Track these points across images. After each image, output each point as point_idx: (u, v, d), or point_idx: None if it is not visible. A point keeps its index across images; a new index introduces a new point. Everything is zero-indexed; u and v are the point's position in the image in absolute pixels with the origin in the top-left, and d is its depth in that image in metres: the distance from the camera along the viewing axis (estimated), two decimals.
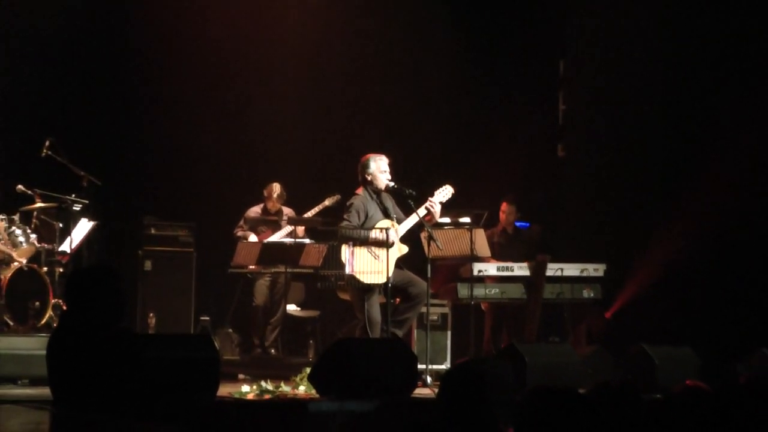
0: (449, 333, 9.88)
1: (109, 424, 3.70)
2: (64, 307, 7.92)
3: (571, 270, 10.01)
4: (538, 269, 9.92)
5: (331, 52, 12.36)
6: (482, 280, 9.92)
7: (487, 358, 9.11)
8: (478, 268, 9.73)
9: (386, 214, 8.99)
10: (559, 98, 12.12)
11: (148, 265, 11.01)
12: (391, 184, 8.99)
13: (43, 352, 5.19)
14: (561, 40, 12.05)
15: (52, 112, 11.17)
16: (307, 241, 10.40)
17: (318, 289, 9.69)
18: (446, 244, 9.18)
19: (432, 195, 9.03)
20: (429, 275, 8.83)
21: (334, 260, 8.92)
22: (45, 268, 9.83)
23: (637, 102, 11.12)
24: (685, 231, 10.11)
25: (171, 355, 6.29)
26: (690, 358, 8.23)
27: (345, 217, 8.98)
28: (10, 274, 9.41)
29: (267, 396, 7.31)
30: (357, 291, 8.88)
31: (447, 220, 9.98)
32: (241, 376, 9.17)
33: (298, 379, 7.75)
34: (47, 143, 9.90)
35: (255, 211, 11.01)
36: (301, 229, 10.70)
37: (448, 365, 9.58)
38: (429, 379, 8.44)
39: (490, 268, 9.92)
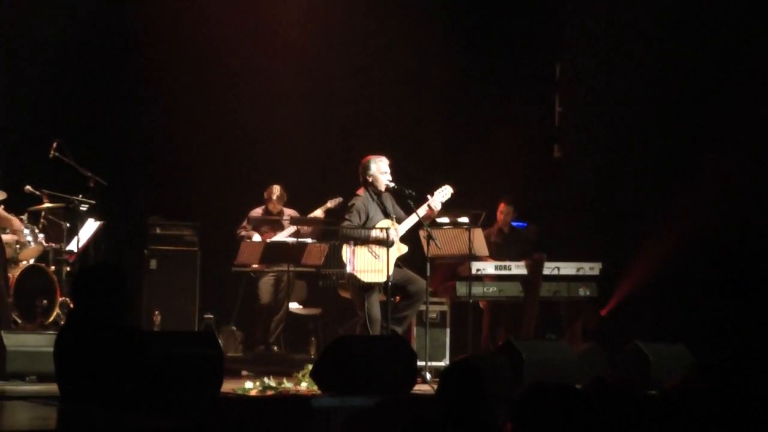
0: (448, 330, 9.88)
1: (115, 420, 3.71)
2: (72, 305, 7.93)
3: (568, 269, 10.01)
4: (535, 268, 9.92)
5: (333, 55, 12.35)
6: (480, 278, 9.92)
7: (485, 355, 9.11)
8: (476, 266, 9.73)
9: (386, 214, 9.00)
10: (555, 100, 12.13)
11: (153, 263, 11.01)
12: (392, 184, 8.99)
13: (51, 349, 5.19)
14: (557, 43, 12.05)
15: (59, 114, 11.17)
16: (309, 240, 10.40)
17: (320, 288, 9.70)
18: (445, 243, 9.19)
19: (432, 195, 9.04)
20: (428, 274, 8.84)
21: (335, 259, 8.93)
22: (52, 267, 9.84)
23: (632, 104, 11.12)
24: (679, 231, 10.11)
25: (176, 351, 6.29)
26: (683, 355, 8.23)
27: (346, 217, 8.99)
28: (18, 273, 9.42)
29: (270, 392, 7.30)
30: (358, 289, 8.89)
31: (446, 220, 9.99)
32: (244, 372, 9.17)
33: (300, 375, 7.75)
34: (54, 145, 9.90)
35: (257, 212, 11.02)
36: (307, 229, 10.70)
37: (447, 362, 9.57)
38: (428, 376, 8.44)
39: (488, 267, 9.92)
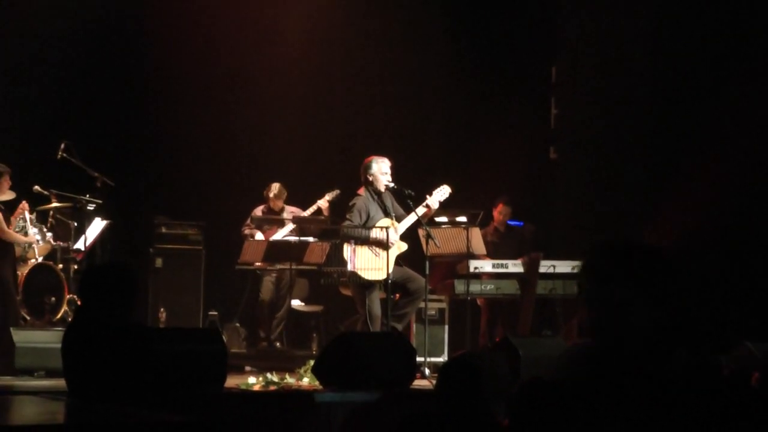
0: (446, 327, 9.87)
1: (122, 414, 3.70)
2: (79, 303, 7.92)
3: (563, 267, 10.00)
4: (531, 266, 9.92)
5: (333, 58, 12.36)
6: (478, 276, 9.91)
7: (483, 351, 9.11)
8: (474, 265, 9.73)
9: (387, 214, 9.00)
10: (551, 103, 12.12)
11: (158, 262, 11.00)
12: (392, 185, 8.99)
13: (59, 346, 5.19)
14: (553, 47, 12.05)
15: (68, 117, 11.18)
16: (311, 239, 10.40)
17: (321, 285, 9.71)
18: (444, 242, 9.18)
19: (430, 194, 9.04)
20: (427, 272, 8.83)
21: (336, 258, 8.93)
22: (60, 265, 9.83)
23: (626, 106, 11.12)
24: (672, 230, 10.10)
25: (181, 348, 6.29)
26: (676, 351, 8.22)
27: (347, 216, 8.99)
28: (27, 271, 9.42)
29: (272, 387, 7.30)
30: (358, 287, 8.89)
31: (444, 219, 9.99)
32: (247, 368, 9.17)
33: (302, 371, 7.74)
34: (63, 146, 9.91)
35: (259, 210, 11.02)
36: (314, 227, 10.71)
37: (446, 358, 9.57)
38: (427, 371, 8.44)
39: (486, 265, 9.91)
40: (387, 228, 8.82)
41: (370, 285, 8.86)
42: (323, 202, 10.75)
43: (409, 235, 9.08)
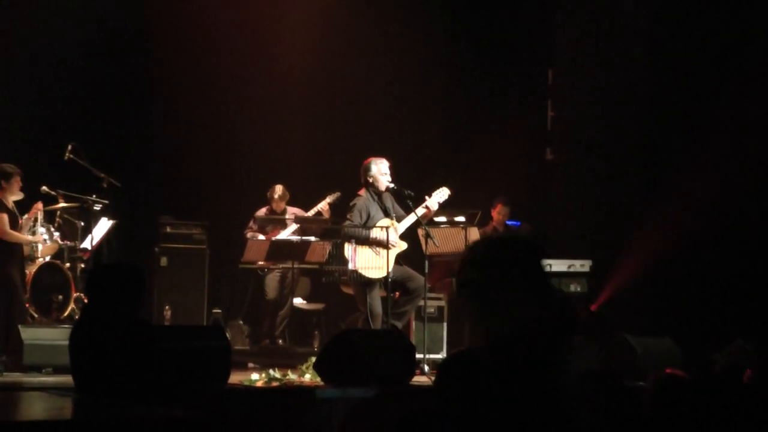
0: (445, 324, 9.87)
1: (128, 410, 3.71)
2: (86, 301, 7.92)
3: (559, 265, 10.00)
4: None
5: (334, 60, 12.36)
6: None
7: (481, 348, 9.10)
8: None
9: (387, 214, 9.00)
10: (547, 105, 12.13)
11: (164, 261, 11.01)
12: (392, 185, 9.00)
13: (66, 343, 5.20)
14: (550, 50, 12.05)
15: (75, 119, 11.18)
16: (312, 238, 10.41)
17: (323, 284, 9.72)
18: (442, 241, 9.19)
19: (430, 196, 9.05)
20: (426, 271, 8.84)
21: (337, 257, 8.94)
22: (67, 264, 9.84)
23: (621, 108, 11.13)
24: (665, 230, 10.11)
25: (185, 345, 6.30)
26: (670, 347, 8.23)
27: (348, 216, 9.00)
28: (35, 270, 9.42)
29: (275, 383, 7.31)
30: (359, 285, 8.89)
31: (443, 219, 9.99)
32: (250, 364, 9.18)
33: (304, 367, 7.75)
34: (70, 147, 9.91)
35: (262, 212, 11.02)
36: (316, 227, 10.72)
37: (444, 355, 9.57)
38: (426, 368, 8.44)
39: None
40: (387, 228, 8.83)
41: (371, 283, 8.87)
42: (324, 205, 10.76)
43: (408, 235, 9.08)
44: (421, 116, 12.31)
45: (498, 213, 10.64)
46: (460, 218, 10.09)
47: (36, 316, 9.38)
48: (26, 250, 9.36)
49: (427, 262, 8.83)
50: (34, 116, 11.03)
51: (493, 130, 11.57)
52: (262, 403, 6.53)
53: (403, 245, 9.00)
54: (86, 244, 10.01)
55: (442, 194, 9.06)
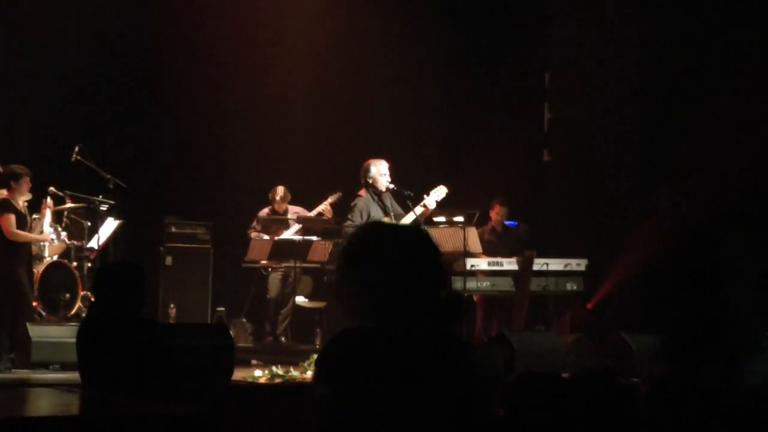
0: None
1: (134, 406, 3.71)
2: (92, 299, 7.93)
3: (556, 265, 10.01)
4: (525, 264, 9.92)
5: (335, 63, 12.37)
6: (474, 274, 9.91)
7: (480, 345, 9.11)
8: (470, 263, 9.73)
9: (386, 213, 9.01)
10: (544, 108, 12.13)
11: (168, 260, 11.01)
12: (391, 186, 9.00)
13: (73, 340, 5.20)
14: (546, 54, 12.06)
15: (81, 121, 11.18)
16: (314, 238, 10.41)
17: (324, 283, 9.72)
18: (441, 241, 9.19)
19: (428, 194, 9.04)
20: None
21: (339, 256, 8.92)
22: (75, 263, 9.84)
23: (616, 111, 11.13)
24: (660, 229, 10.11)
25: (190, 342, 6.30)
26: (657, 345, 8.23)
27: (349, 216, 9.00)
28: (42, 269, 9.42)
29: (278, 380, 7.31)
30: None
31: (442, 219, 9.99)
32: (254, 361, 9.18)
33: (306, 364, 7.75)
34: (77, 149, 9.92)
35: (264, 212, 11.02)
36: (318, 227, 10.71)
37: None
38: None
39: (482, 263, 9.91)
40: None
41: None
42: (325, 205, 10.75)
43: None
44: (420, 118, 12.31)
45: (496, 213, 10.64)
46: (459, 218, 10.08)
47: (44, 314, 9.38)
48: (34, 249, 9.36)
49: None
50: (41, 119, 11.03)
51: (491, 132, 11.57)
52: (265, 399, 6.53)
53: None
54: (93, 243, 10.01)
55: (439, 192, 9.06)
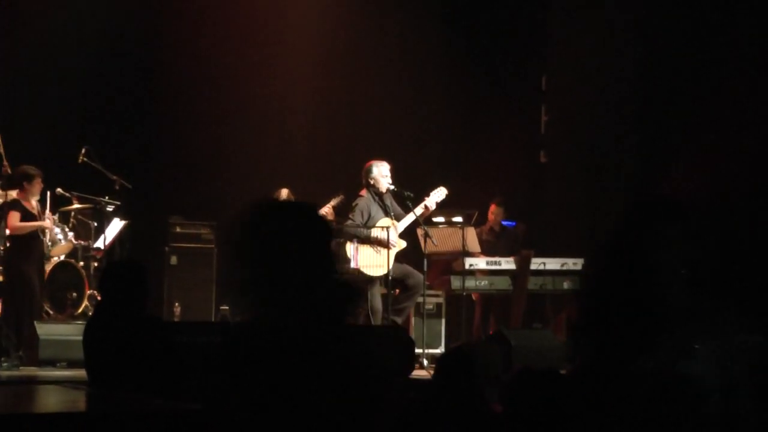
0: (443, 320, 9.87)
1: (139, 402, 3.71)
2: (99, 298, 7.93)
3: (553, 264, 10.00)
4: (523, 263, 9.92)
5: (338, 66, 12.38)
6: (473, 273, 9.91)
7: (477, 343, 9.11)
8: (469, 262, 9.73)
9: (387, 213, 9.01)
10: (541, 110, 12.13)
11: (173, 260, 11.01)
12: (392, 187, 9.00)
13: (80, 338, 5.20)
14: (544, 58, 12.06)
15: (88, 123, 11.19)
16: None
17: None
18: (440, 240, 9.19)
19: (428, 195, 9.05)
20: (425, 268, 8.84)
21: (340, 255, 8.93)
22: (81, 263, 9.84)
23: (612, 113, 11.13)
24: None
25: (194, 340, 6.29)
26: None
27: (350, 216, 9.00)
28: (50, 268, 9.43)
29: None
30: (360, 283, 8.89)
31: (441, 219, 9.99)
32: None
33: None
34: (83, 151, 9.92)
35: None
36: None
37: (443, 349, 9.58)
38: (425, 362, 8.44)
39: (480, 263, 9.91)
40: (387, 228, 8.83)
41: (372, 281, 8.87)
42: (328, 208, 10.74)
43: (408, 234, 9.08)
44: (420, 120, 12.31)
45: (492, 213, 10.64)
46: (458, 218, 10.09)
47: (51, 312, 9.38)
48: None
49: (425, 261, 8.83)
50: (49, 122, 11.03)
51: (489, 133, 11.57)
52: None
53: (403, 244, 9.00)
54: (99, 243, 10.02)
55: (439, 194, 9.07)
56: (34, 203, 9.01)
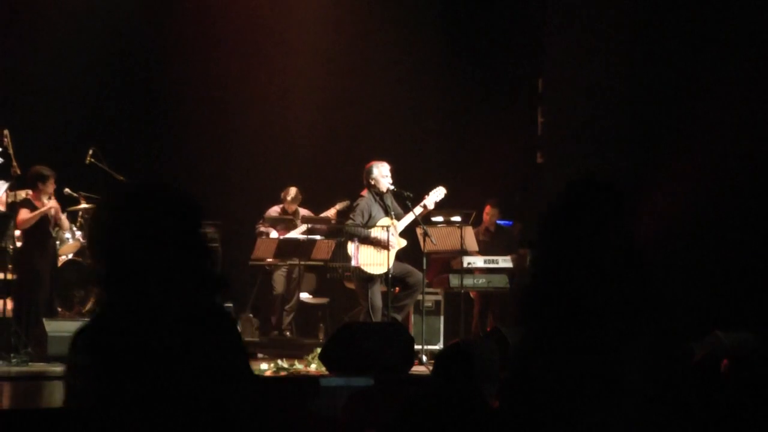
0: (442, 318, 9.88)
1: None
2: None
3: None
4: (519, 262, 9.93)
5: (340, 68, 12.38)
6: (471, 271, 9.92)
7: (476, 340, 9.12)
8: (467, 260, 9.74)
9: (387, 213, 9.02)
10: (538, 112, 12.13)
11: None
12: (392, 187, 9.01)
13: None
14: (540, 60, 12.06)
15: (95, 125, 11.20)
16: (318, 237, 10.41)
17: (327, 279, 9.73)
18: (439, 239, 9.20)
19: (427, 194, 9.06)
20: (424, 267, 8.85)
21: (341, 254, 8.95)
22: (89, 261, 9.85)
23: (608, 114, 11.13)
24: (647, 226, 10.11)
25: None
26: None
27: (351, 216, 9.02)
28: (59, 266, 9.44)
29: (283, 373, 7.32)
30: (361, 281, 8.90)
31: (440, 218, 10.00)
32: (260, 355, 9.18)
33: (310, 357, 7.76)
34: (90, 152, 9.93)
35: (275, 210, 11.02)
36: (322, 227, 10.72)
37: (441, 346, 9.58)
38: (424, 358, 8.45)
39: (478, 261, 9.92)
40: (388, 227, 8.84)
41: (372, 279, 8.87)
42: (332, 211, 10.76)
43: (407, 233, 9.09)
44: (419, 121, 12.32)
45: (486, 214, 10.65)
46: (456, 218, 10.09)
47: (59, 309, 9.39)
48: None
49: (425, 259, 8.84)
50: (57, 123, 11.04)
51: (487, 135, 11.58)
52: (271, 391, 6.54)
53: (403, 243, 9.01)
54: None
55: (438, 193, 9.08)
56: (45, 202, 9.02)
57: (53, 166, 9.41)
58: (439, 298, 9.94)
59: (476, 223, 10.30)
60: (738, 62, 9.95)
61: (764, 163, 9.72)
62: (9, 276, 8.97)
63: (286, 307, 10.81)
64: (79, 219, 10.00)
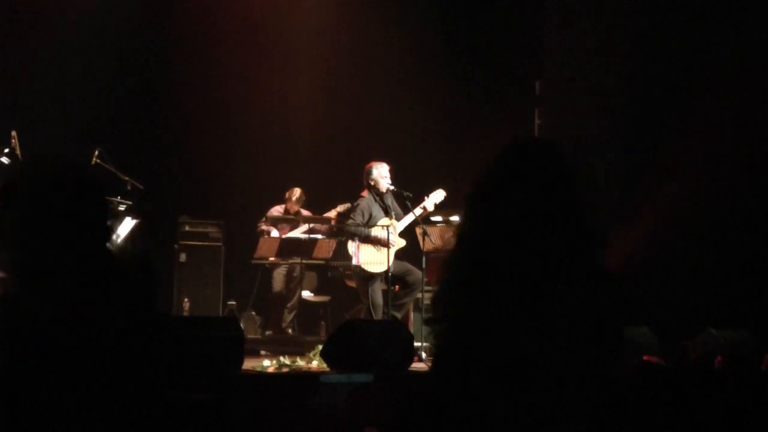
0: None
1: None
2: None
3: None
4: None
5: (342, 70, 12.39)
6: None
7: None
8: None
9: (387, 213, 9.03)
10: (535, 114, 12.14)
11: (183, 257, 11.03)
12: (392, 187, 9.02)
13: None
14: (537, 62, 12.07)
15: (100, 126, 11.20)
16: (319, 236, 10.42)
17: (329, 278, 9.75)
18: (439, 239, 9.20)
19: (427, 196, 9.07)
20: (424, 266, 8.85)
21: (342, 253, 8.96)
22: None
23: (605, 116, 11.13)
24: (643, 224, 10.11)
25: (203, 334, 6.31)
26: (647, 336, 8.23)
27: (351, 216, 9.03)
28: None
29: (285, 369, 7.32)
30: (362, 279, 8.91)
31: (439, 218, 10.00)
32: (262, 352, 9.19)
33: (311, 355, 7.76)
34: (96, 152, 9.93)
35: (277, 210, 11.03)
36: (321, 226, 10.72)
37: None
38: (424, 355, 8.45)
39: None
40: (388, 227, 8.84)
41: (373, 277, 8.88)
42: (333, 213, 10.76)
43: (407, 233, 9.10)
44: (418, 122, 12.32)
45: None
46: (455, 217, 10.09)
47: None
48: None
49: (424, 258, 8.84)
50: (63, 124, 11.04)
51: (485, 135, 11.56)
52: (273, 387, 6.55)
53: (402, 242, 9.02)
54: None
55: (438, 196, 9.10)
56: None
57: None
58: None
59: None
60: (738, 62, 9.94)
61: (764, 163, 9.72)
62: None
63: (288, 305, 10.81)
64: None
